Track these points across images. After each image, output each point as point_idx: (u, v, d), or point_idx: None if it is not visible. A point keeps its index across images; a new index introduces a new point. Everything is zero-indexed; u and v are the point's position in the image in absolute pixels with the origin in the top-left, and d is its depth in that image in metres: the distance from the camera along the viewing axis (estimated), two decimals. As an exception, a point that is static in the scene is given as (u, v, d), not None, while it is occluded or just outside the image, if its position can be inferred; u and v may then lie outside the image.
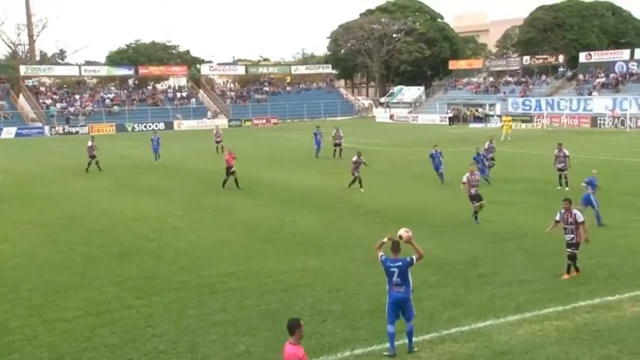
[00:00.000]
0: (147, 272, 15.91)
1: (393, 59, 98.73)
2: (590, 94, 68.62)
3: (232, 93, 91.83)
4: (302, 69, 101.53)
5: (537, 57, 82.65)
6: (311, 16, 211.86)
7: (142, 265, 16.59)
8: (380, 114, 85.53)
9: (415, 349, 10.80)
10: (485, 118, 71.29)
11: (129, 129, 74.91)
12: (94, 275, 15.73)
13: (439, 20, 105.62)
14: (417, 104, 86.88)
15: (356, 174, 27.38)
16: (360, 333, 11.58)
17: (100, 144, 38.66)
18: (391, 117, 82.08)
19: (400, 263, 10.64)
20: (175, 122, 78.12)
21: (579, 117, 64.19)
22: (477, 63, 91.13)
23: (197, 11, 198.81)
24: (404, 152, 43.86)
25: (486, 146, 30.51)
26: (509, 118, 57.42)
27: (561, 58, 78.93)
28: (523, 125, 65.44)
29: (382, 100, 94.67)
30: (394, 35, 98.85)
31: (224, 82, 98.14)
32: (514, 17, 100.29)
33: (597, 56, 75.42)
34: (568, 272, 14.52)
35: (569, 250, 14.57)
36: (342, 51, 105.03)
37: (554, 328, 11.54)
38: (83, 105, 79.49)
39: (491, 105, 73.46)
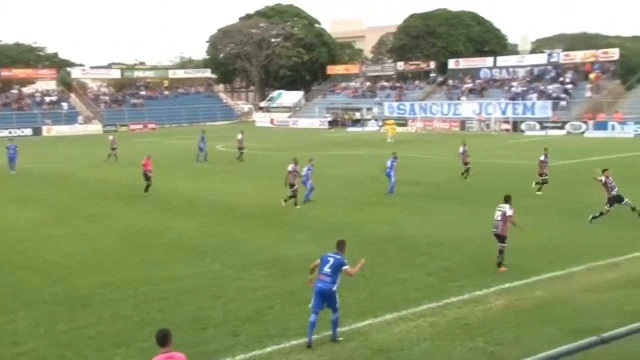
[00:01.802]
0: (12, 285, 14.97)
1: (272, 63, 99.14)
2: (459, 98, 72.08)
3: (107, 97, 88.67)
4: (180, 73, 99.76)
5: (410, 63, 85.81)
6: (189, 20, 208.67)
7: (6, 278, 15.60)
8: (261, 118, 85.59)
9: (340, 338, 11.16)
10: (363, 122, 73.06)
11: (-8, 134, 70.43)
12: (-47, 291, 14.62)
13: (316, 25, 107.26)
14: (297, 109, 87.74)
15: (296, 186, 24.26)
16: (241, 339, 11.47)
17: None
18: (271, 121, 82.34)
19: (338, 257, 11.19)
20: (45, 128, 74.34)
21: (449, 121, 67.24)
22: (354, 68, 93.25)
23: (66, 12, 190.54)
24: (284, 156, 44.05)
25: (461, 151, 30.86)
26: (392, 121, 59.48)
27: (432, 64, 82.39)
28: (399, 129, 67.55)
29: (262, 104, 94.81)
30: (273, 40, 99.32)
31: (97, 86, 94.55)
32: (388, 24, 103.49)
33: (465, 63, 79.39)
34: (498, 266, 15.26)
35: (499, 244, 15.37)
36: (221, 55, 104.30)
37: (427, 324, 11.96)
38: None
39: (368, 109, 75.40)
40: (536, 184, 26.39)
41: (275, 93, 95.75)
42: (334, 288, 11.08)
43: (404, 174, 27.82)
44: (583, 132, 56.49)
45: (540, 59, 75.16)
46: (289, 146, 49.79)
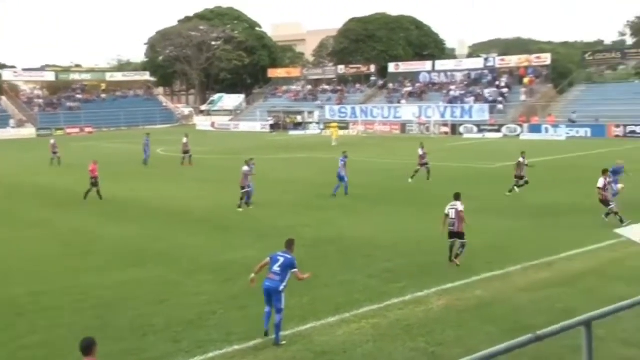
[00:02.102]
0: (-56, 296, 14.41)
1: (213, 66, 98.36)
2: (399, 102, 73.04)
3: (41, 101, 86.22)
4: (118, 76, 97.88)
5: (351, 66, 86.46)
6: (126, 22, 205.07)
7: (-63, 289, 15.00)
8: (202, 122, 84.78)
9: (283, 342, 11.20)
10: (304, 125, 73.25)
11: None
12: None
13: (257, 29, 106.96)
14: (238, 112, 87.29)
15: (247, 188, 24.37)
16: (183, 345, 11.34)
17: None
18: (212, 124, 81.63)
19: (288, 256, 11.39)
20: (-27, 132, 71.76)
21: (390, 124, 68.05)
22: (295, 72, 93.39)
23: None
24: (226, 159, 43.77)
25: (420, 153, 31.16)
26: (336, 124, 59.85)
27: (373, 68, 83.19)
28: (340, 132, 67.98)
29: (203, 108, 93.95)
30: (213, 43, 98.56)
31: (30, 89, 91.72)
32: (328, 27, 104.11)
33: (404, 67, 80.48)
34: (455, 258, 15.85)
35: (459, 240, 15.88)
36: (161, 58, 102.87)
37: (370, 326, 12.07)
38: None
39: (310, 112, 75.63)
40: (517, 187, 26.30)
41: (216, 96, 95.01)
42: (281, 288, 11.23)
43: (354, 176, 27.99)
44: (519, 135, 58.00)
45: (477, 63, 76.89)
46: (231, 150, 49.50)
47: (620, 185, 22.05)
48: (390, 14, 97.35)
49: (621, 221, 19.13)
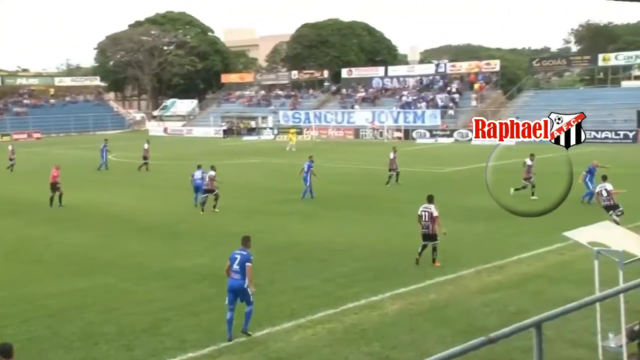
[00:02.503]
0: None
1: (165, 71, 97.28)
2: (352, 107, 73.49)
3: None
4: (67, 81, 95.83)
5: (304, 72, 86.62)
6: (75, 26, 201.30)
7: None
8: (154, 127, 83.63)
9: (250, 333, 11.68)
10: (258, 131, 73.06)
11: None
12: None
13: (210, 33, 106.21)
14: (191, 117, 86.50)
15: (215, 190, 25.15)
16: (136, 353, 11.17)
17: None
18: (165, 130, 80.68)
19: (244, 253, 11.85)
20: None
21: (343, 129, 68.36)
22: (248, 77, 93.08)
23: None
24: (179, 165, 43.31)
25: (392, 157, 31.32)
26: (294, 130, 59.76)
27: (326, 73, 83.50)
28: (294, 138, 68.04)
29: (155, 113, 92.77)
30: (165, 48, 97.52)
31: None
32: (281, 33, 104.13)
33: (357, 72, 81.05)
34: (433, 262, 16.26)
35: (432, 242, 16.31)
36: (111, 63, 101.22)
37: (325, 331, 12.09)
38: None
39: (263, 118, 75.47)
40: (516, 190, 26.04)
41: (168, 102, 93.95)
42: (246, 285, 11.62)
43: (300, 181, 28.02)
44: (470, 140, 58.82)
45: (429, 69, 77.87)
46: (183, 155, 49.00)
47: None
48: (343, 20, 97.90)
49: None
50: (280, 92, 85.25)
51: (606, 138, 53.54)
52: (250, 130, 73.45)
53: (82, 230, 21.96)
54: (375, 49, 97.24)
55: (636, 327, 9.94)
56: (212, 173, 25.42)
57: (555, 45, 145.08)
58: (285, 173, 36.36)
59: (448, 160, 39.98)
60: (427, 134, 62.56)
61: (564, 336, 10.91)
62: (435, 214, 16.29)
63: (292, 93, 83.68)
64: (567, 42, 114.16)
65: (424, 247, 16.39)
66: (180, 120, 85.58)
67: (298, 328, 12.26)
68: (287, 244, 19.25)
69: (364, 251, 18.02)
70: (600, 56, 66.09)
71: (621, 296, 9.40)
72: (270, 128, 72.53)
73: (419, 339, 11.55)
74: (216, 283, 15.05)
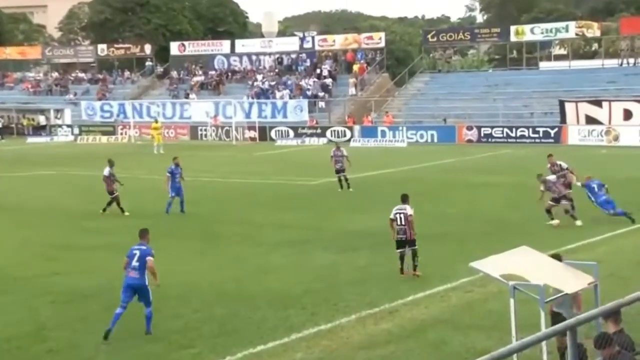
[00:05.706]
0: None
1: None
2: (187, 96, 72.98)
3: None
4: None
5: (116, 46, 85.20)
6: None
7: None
8: None
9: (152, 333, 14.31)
10: (50, 130, 71.08)
11: None
12: None
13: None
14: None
15: (115, 192, 28.68)
16: None
17: None
18: None
19: (144, 247, 14.48)
20: None
21: (175, 127, 67.67)
22: (33, 52, 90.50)
23: None
24: None
25: (332, 153, 33.73)
26: (158, 125, 58.40)
27: (148, 49, 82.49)
28: (104, 139, 66.71)
29: None
30: None
31: None
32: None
33: (193, 47, 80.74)
34: (414, 270, 18.49)
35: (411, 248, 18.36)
36: None
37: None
38: None
39: (57, 111, 73.43)
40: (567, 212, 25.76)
41: None
42: (146, 282, 14.25)
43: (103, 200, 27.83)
44: (349, 140, 59.75)
45: (291, 44, 78.81)
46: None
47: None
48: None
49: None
50: (82, 75, 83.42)
51: (522, 137, 56.23)
52: (39, 129, 71.45)
53: None
54: (217, 15, 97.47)
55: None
56: (107, 170, 28.56)
57: (456, 14, 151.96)
58: (91, 189, 35.50)
59: (319, 169, 40.58)
60: (291, 133, 63.34)
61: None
62: (410, 212, 18.17)
63: (100, 76, 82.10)
64: (471, 9, 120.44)
65: (402, 255, 18.31)
66: None
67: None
68: (98, 290, 18.75)
69: (206, 296, 17.92)
70: (513, 29, 69.45)
71: (544, 344, 9.95)
72: (69, 126, 70.83)
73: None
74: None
